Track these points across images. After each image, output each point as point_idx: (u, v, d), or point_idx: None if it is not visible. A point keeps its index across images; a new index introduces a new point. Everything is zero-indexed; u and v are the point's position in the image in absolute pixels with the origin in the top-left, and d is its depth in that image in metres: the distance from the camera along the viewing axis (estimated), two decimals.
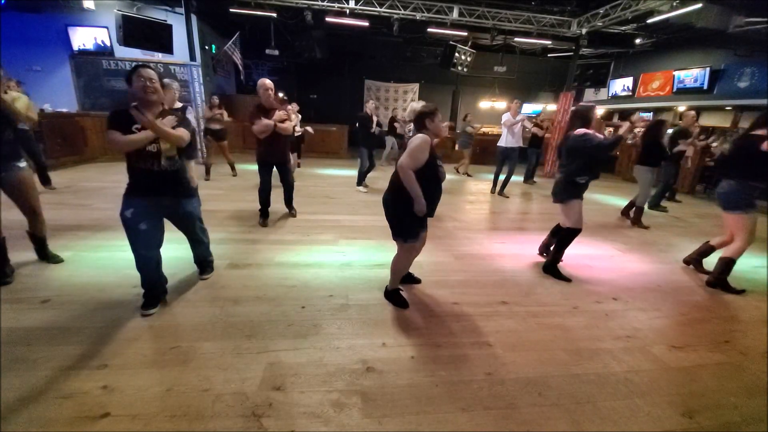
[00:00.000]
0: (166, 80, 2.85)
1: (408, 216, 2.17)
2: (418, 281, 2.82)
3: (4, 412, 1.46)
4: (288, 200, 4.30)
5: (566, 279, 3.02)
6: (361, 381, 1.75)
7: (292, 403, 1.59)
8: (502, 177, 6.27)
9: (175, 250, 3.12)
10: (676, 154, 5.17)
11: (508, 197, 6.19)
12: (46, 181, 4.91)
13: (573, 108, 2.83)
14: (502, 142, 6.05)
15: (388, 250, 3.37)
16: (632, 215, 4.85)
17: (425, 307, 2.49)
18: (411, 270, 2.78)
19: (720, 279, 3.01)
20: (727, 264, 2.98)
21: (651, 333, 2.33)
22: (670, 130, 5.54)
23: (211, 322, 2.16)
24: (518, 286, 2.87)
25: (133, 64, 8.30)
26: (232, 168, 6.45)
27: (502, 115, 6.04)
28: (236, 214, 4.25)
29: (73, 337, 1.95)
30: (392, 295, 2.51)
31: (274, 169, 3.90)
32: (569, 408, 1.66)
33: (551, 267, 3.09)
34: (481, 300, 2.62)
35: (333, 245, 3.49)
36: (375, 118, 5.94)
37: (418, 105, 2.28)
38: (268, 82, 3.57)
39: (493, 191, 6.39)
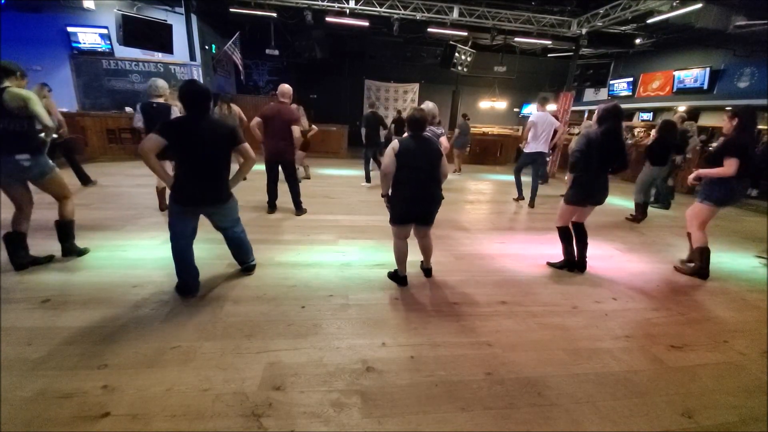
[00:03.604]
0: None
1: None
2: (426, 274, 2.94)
3: (4, 412, 1.46)
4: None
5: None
6: (361, 381, 1.75)
7: (292, 402, 1.59)
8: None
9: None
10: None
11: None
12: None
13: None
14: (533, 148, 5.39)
15: (388, 250, 3.36)
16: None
17: (425, 306, 2.49)
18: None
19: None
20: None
21: (650, 333, 2.33)
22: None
23: (211, 321, 2.16)
24: (518, 286, 2.87)
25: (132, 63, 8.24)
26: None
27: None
28: None
29: (72, 336, 1.95)
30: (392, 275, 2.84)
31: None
32: (569, 408, 1.66)
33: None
34: (480, 300, 2.62)
35: (333, 245, 3.50)
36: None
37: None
38: None
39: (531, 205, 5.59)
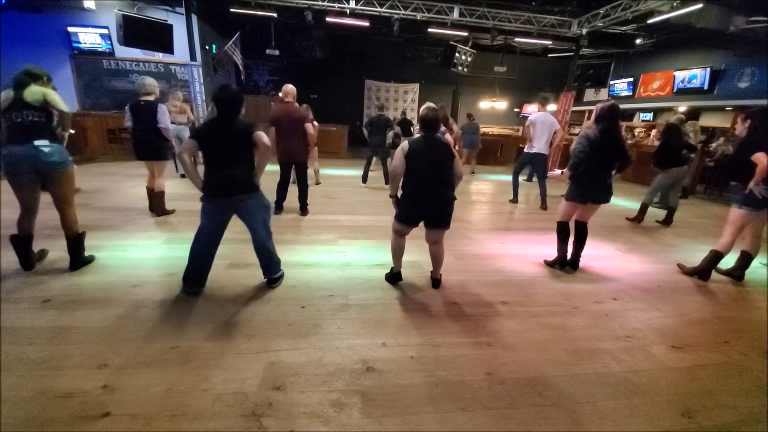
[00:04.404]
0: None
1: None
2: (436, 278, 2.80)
3: (4, 412, 1.46)
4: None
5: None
6: (361, 381, 1.75)
7: (292, 402, 1.59)
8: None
9: (175, 250, 3.14)
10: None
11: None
12: None
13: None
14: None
15: (389, 249, 3.36)
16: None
17: (425, 306, 2.49)
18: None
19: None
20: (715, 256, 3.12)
21: (651, 333, 2.33)
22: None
23: (212, 321, 2.16)
24: (518, 286, 2.87)
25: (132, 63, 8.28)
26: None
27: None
28: None
29: (73, 336, 1.95)
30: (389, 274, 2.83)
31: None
32: (569, 408, 1.66)
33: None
34: (481, 300, 2.62)
35: (333, 245, 3.50)
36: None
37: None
38: None
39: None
